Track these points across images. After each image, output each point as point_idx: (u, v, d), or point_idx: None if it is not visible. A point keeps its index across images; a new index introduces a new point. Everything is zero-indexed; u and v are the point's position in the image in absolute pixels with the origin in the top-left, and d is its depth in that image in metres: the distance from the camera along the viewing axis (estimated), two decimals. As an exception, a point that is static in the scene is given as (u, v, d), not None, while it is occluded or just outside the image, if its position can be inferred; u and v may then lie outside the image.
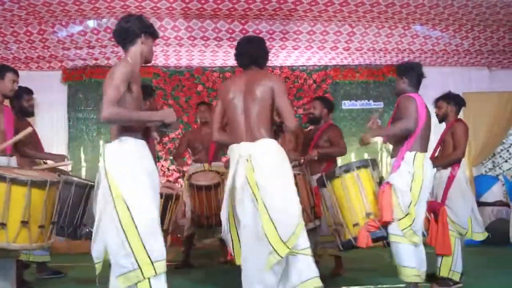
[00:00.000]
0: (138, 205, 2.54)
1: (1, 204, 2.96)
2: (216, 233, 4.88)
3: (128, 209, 2.51)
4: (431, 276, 3.91)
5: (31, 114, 4.42)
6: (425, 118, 3.47)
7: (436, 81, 7.24)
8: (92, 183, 3.63)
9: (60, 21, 5.58)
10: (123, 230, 2.49)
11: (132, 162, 2.63)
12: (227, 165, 4.20)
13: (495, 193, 6.94)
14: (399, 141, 3.54)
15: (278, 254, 2.68)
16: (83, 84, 6.99)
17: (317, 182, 3.95)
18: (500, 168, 7.37)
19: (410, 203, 3.35)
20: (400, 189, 3.38)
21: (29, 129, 3.47)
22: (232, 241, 2.98)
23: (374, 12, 5.41)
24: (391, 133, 3.59)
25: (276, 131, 3.10)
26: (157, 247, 2.56)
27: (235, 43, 5.90)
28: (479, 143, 6.94)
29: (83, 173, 6.82)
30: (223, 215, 2.99)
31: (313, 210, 4.07)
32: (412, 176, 3.38)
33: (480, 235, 4.22)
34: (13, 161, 3.52)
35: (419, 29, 6.02)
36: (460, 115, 7.03)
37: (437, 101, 4.40)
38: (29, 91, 4.37)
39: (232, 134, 3.06)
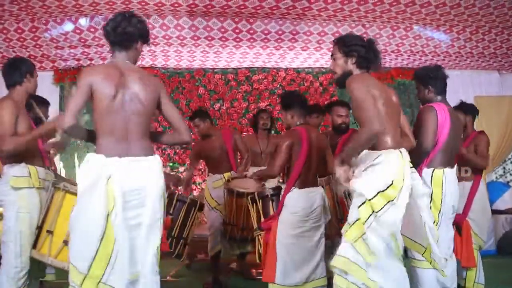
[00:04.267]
0: None
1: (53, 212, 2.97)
2: (242, 247, 4.54)
3: None
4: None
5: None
6: (448, 129, 3.22)
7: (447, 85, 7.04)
8: None
9: (54, 18, 5.18)
10: None
11: None
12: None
13: (507, 200, 6.71)
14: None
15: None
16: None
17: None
18: (511, 174, 7.16)
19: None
20: None
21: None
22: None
23: (392, 12, 5.13)
24: (412, 160, 3.32)
25: None
26: None
27: (241, 43, 5.81)
28: (491, 149, 6.61)
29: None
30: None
31: (341, 222, 3.77)
32: (430, 197, 3.12)
33: None
34: None
35: (435, 31, 5.78)
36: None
37: None
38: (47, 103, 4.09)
39: (394, 137, 2.75)
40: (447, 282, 3.17)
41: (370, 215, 2.59)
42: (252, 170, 4.45)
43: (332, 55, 2.92)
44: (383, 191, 2.57)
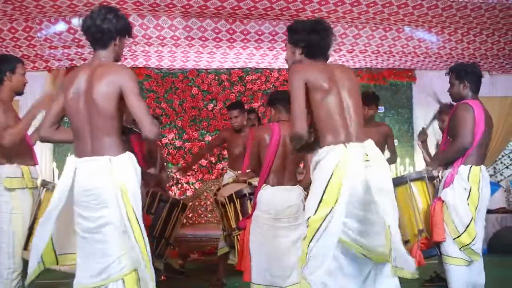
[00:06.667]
0: None
1: None
2: None
3: None
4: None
5: None
6: (483, 127, 3.18)
7: (436, 86, 7.08)
8: None
9: (48, 18, 5.17)
10: None
11: None
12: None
13: (497, 200, 6.83)
14: None
15: None
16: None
17: None
18: (501, 174, 7.25)
19: (471, 220, 3.09)
20: (454, 206, 3.12)
21: None
22: None
23: (385, 13, 5.19)
24: (449, 158, 3.26)
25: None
26: None
27: (235, 44, 5.83)
28: (482, 149, 6.79)
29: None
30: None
31: None
32: (468, 193, 3.11)
33: None
34: None
35: (426, 33, 5.84)
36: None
37: (440, 113, 4.28)
38: None
39: (338, 131, 2.42)
40: (478, 279, 3.19)
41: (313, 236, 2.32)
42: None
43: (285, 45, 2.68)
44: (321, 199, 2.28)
